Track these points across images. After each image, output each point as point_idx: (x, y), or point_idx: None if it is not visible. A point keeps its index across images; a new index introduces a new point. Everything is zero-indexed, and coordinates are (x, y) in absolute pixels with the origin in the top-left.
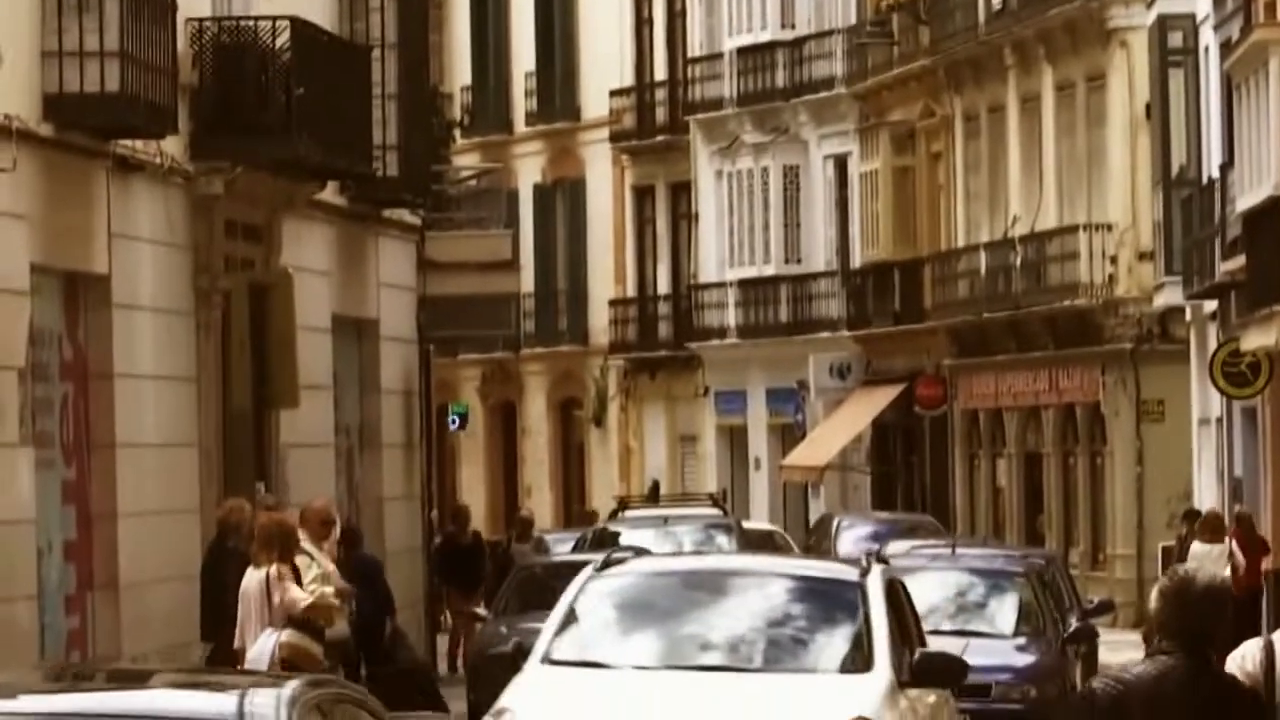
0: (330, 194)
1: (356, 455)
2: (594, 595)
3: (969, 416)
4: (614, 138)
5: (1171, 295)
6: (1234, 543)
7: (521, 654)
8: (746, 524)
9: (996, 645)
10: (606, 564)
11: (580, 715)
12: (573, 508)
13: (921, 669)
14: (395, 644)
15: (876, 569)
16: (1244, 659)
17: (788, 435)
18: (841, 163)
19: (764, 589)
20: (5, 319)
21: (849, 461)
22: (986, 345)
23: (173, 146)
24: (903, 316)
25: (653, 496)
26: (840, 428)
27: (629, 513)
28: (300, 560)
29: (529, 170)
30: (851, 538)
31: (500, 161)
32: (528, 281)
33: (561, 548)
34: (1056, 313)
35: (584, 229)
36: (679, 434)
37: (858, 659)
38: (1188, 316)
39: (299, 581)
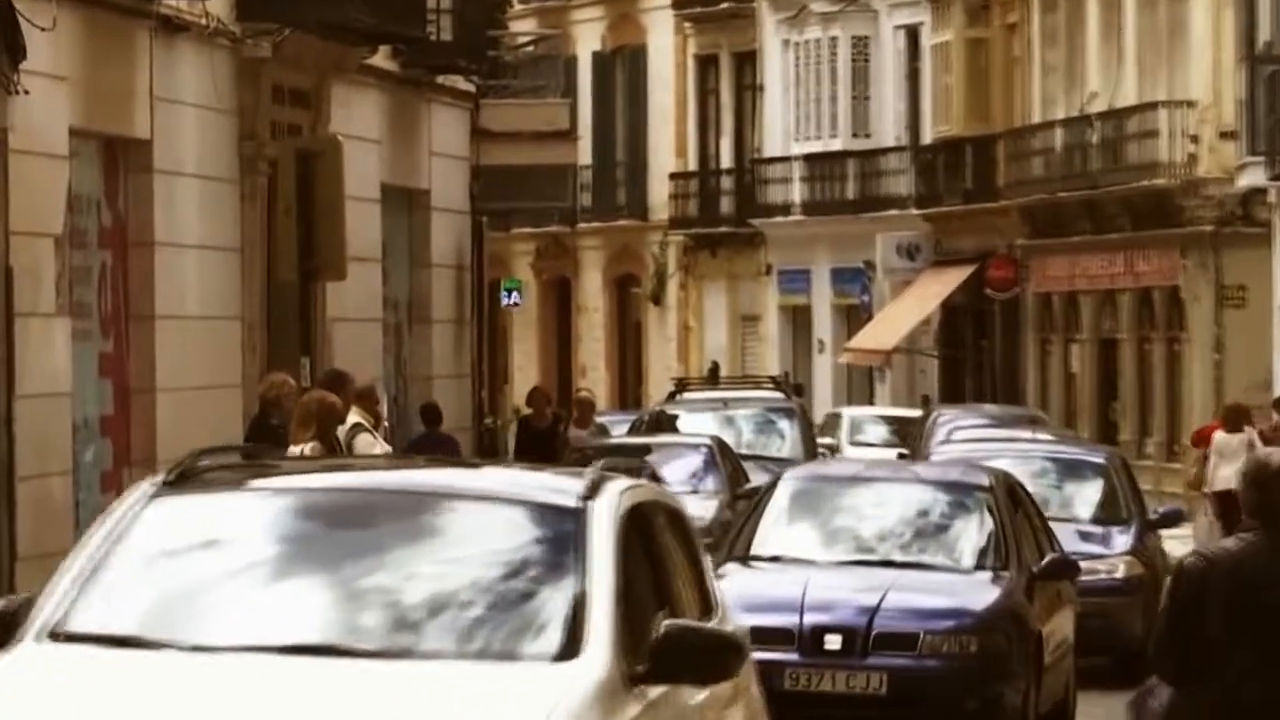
0: (381, 59)
1: (405, 331)
2: (152, 528)
3: (1042, 300)
4: (677, 4)
5: (1254, 176)
6: (1253, 432)
7: (18, 616)
8: (896, 411)
9: (938, 582)
10: (183, 475)
11: None
12: (629, 388)
13: (661, 655)
14: None
15: (611, 488)
16: None
17: (853, 317)
18: (913, 33)
19: (428, 521)
20: (43, 184)
21: (916, 345)
22: (1061, 226)
23: (218, 7)
24: (974, 195)
25: (712, 378)
26: (908, 310)
27: (687, 395)
28: (363, 440)
29: (588, 37)
30: (947, 434)
31: (558, 28)
32: (585, 153)
33: (617, 431)
34: (1134, 193)
35: (644, 99)
36: (740, 314)
37: (567, 639)
38: (1271, 198)
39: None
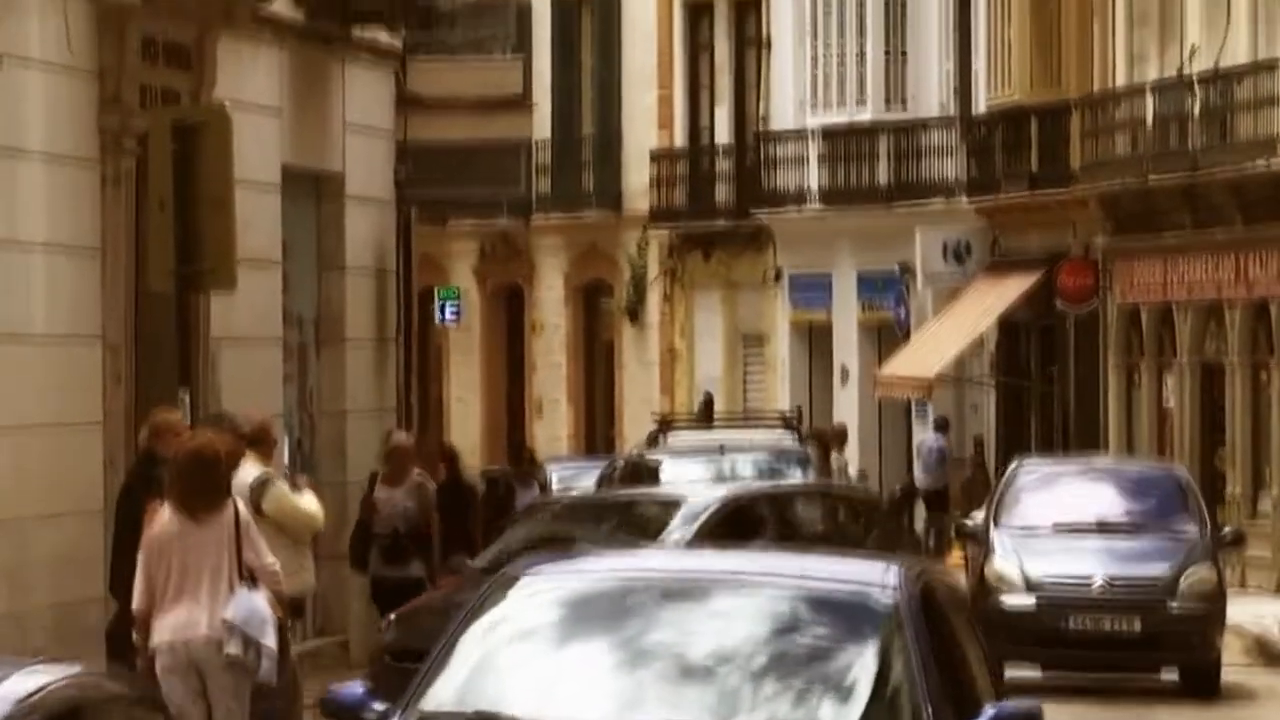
0: (282, 6)
1: (311, 354)
2: None
3: (1128, 314)
4: None
5: None
6: None
7: None
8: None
9: None
10: None
11: None
12: (598, 428)
13: None
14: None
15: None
16: None
17: (886, 336)
18: None
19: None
20: None
21: (967, 373)
22: (1152, 220)
23: None
24: (1041, 181)
25: (705, 415)
26: (956, 328)
27: (673, 436)
28: (277, 495)
29: None
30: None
31: None
32: (543, 126)
33: (582, 481)
34: (1247, 178)
35: (619, 57)
36: (741, 332)
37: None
38: None
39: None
